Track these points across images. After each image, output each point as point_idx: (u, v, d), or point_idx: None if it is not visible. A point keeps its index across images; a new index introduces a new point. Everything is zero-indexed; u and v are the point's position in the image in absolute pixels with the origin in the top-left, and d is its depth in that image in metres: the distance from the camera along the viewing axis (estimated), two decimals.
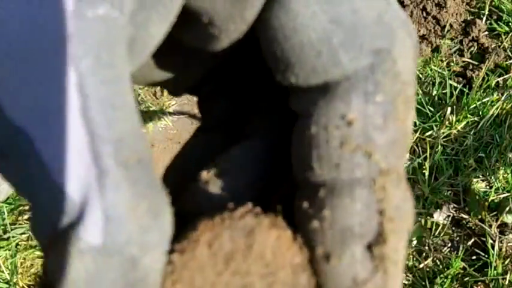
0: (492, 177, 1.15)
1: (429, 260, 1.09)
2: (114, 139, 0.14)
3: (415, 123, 1.19)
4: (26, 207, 1.16)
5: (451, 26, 1.31)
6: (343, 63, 0.17)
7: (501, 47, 1.30)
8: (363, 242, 0.17)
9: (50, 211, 0.14)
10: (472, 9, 1.35)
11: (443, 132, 1.18)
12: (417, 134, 1.18)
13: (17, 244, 1.12)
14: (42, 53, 0.14)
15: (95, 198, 0.14)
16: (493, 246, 1.08)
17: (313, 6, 0.17)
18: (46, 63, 0.14)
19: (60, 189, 0.14)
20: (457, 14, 1.32)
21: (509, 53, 1.29)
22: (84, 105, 0.14)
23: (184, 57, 0.22)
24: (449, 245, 1.12)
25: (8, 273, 1.08)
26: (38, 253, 1.11)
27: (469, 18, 1.34)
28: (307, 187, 0.18)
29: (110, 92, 0.14)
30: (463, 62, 1.29)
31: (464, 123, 1.20)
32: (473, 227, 1.13)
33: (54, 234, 0.14)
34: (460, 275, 1.08)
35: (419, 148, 1.18)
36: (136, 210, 0.15)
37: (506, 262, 1.08)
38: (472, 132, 1.19)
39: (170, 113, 1.30)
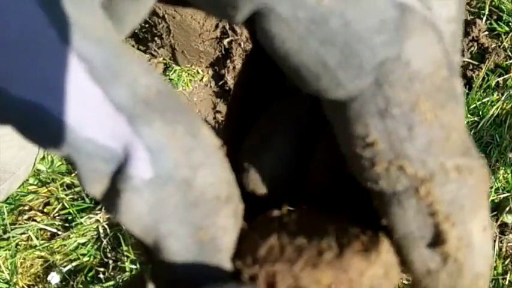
0: (492, 177, 1.15)
1: None
2: (126, 84, 0.15)
3: None
4: (26, 207, 1.16)
5: None
6: (344, 85, 0.16)
7: (501, 47, 1.30)
8: (426, 242, 0.17)
9: (94, 165, 0.15)
10: (472, 9, 1.35)
11: None
12: None
13: (17, 244, 1.12)
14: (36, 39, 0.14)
15: (133, 139, 0.15)
16: (493, 246, 1.08)
17: (298, 29, 0.15)
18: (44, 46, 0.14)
19: (98, 143, 0.15)
20: None
21: (509, 53, 1.29)
22: (90, 67, 0.14)
23: None
24: None
25: (8, 273, 1.08)
26: (38, 253, 1.12)
27: (469, 18, 1.34)
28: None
29: (109, 48, 0.15)
30: (463, 62, 1.29)
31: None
32: None
33: (105, 185, 0.16)
34: None
35: None
36: (175, 135, 0.15)
37: (506, 262, 1.08)
38: (472, 132, 1.19)
39: None
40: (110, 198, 0.16)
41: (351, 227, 0.18)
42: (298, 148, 0.21)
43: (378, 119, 0.16)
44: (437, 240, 0.17)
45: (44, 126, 0.15)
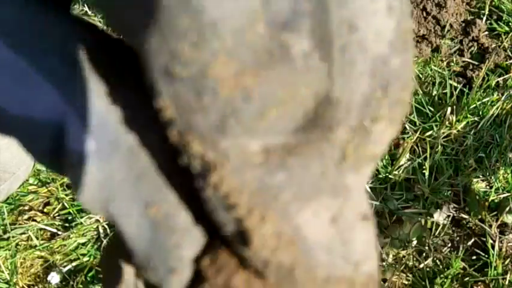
0: (492, 177, 1.15)
1: (429, 260, 1.09)
2: (53, 46, 0.14)
3: (414, 123, 1.19)
4: (26, 207, 1.16)
5: (451, 26, 1.31)
6: (134, 29, 0.14)
7: (501, 47, 1.30)
8: (239, 243, 0.15)
9: (35, 143, 0.14)
10: (472, 9, 1.35)
11: (443, 132, 1.18)
12: (417, 134, 1.18)
13: (17, 244, 1.12)
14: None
15: (66, 109, 0.14)
16: (493, 246, 1.08)
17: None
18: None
19: (32, 121, 0.14)
20: (457, 14, 1.32)
21: (509, 53, 1.29)
22: (6, 30, 0.13)
23: None
24: (449, 245, 1.12)
25: (8, 273, 1.08)
26: (38, 253, 1.11)
27: (469, 18, 1.34)
28: None
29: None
30: (463, 62, 1.29)
31: (464, 123, 1.20)
32: (473, 227, 1.13)
33: (51, 155, 0.15)
34: (460, 275, 1.08)
35: (419, 148, 1.18)
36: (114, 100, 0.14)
37: (506, 262, 1.08)
38: (472, 132, 1.19)
39: None
40: (64, 174, 0.15)
41: None
42: None
43: (165, 79, 0.13)
44: (244, 241, 0.14)
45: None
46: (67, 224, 1.15)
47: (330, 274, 0.14)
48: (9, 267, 1.08)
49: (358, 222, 0.14)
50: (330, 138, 0.13)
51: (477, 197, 1.14)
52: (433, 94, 1.24)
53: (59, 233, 1.13)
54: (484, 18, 1.33)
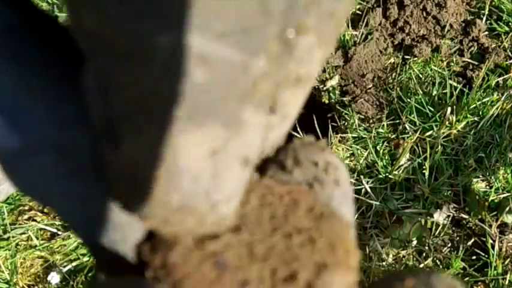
0: (492, 177, 1.15)
1: (429, 260, 1.09)
2: None
3: (414, 123, 1.19)
4: (26, 207, 1.16)
5: (451, 26, 1.31)
6: None
7: (501, 47, 1.30)
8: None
9: None
10: (472, 9, 1.35)
11: (443, 132, 1.18)
12: (417, 134, 1.18)
13: (17, 244, 1.12)
14: None
15: None
16: (493, 246, 1.08)
17: None
18: None
19: None
20: (457, 14, 1.32)
21: (509, 53, 1.29)
22: None
23: None
24: (449, 245, 1.12)
25: (8, 273, 1.08)
26: (38, 253, 1.12)
27: (469, 18, 1.34)
28: None
29: None
30: (463, 62, 1.29)
31: (464, 123, 1.20)
32: (473, 227, 1.13)
33: None
34: (460, 275, 1.08)
35: (419, 148, 1.18)
36: (32, 91, 0.13)
37: (506, 262, 1.08)
38: (472, 132, 1.19)
39: None
40: None
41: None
42: None
43: None
44: (110, 145, 0.13)
45: None
46: (67, 224, 1.15)
47: (184, 203, 0.13)
48: (9, 267, 1.08)
49: (237, 164, 0.13)
50: (250, 63, 0.12)
51: (477, 197, 1.14)
52: (433, 94, 1.24)
53: (59, 233, 1.13)
54: (484, 18, 1.33)
